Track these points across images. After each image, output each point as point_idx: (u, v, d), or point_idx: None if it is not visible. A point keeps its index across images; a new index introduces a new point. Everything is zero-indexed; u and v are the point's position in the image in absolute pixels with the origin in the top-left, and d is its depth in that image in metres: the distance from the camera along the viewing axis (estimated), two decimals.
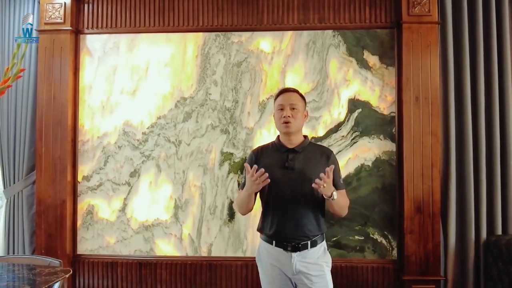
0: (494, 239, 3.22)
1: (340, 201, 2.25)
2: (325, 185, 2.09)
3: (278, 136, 2.43)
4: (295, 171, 2.28)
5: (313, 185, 2.10)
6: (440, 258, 3.27)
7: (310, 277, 2.26)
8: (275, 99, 2.42)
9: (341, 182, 2.37)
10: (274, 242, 2.31)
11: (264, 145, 2.50)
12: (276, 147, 2.40)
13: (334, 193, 2.18)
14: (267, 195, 2.34)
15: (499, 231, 3.29)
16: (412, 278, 3.23)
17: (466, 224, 3.31)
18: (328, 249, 2.41)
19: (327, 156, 2.35)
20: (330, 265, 2.36)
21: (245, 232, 3.44)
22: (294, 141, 2.35)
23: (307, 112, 2.43)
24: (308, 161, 2.31)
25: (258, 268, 2.48)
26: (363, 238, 3.38)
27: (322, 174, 2.09)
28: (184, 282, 3.46)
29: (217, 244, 3.46)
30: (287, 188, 2.27)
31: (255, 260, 3.39)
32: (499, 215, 3.30)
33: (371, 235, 3.38)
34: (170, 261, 3.47)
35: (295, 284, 2.33)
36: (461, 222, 3.34)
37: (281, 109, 2.33)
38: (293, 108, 2.32)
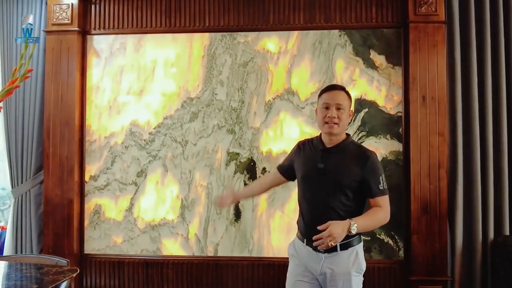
0: (502, 240, 3.20)
1: (366, 226, 2.10)
2: (332, 243, 1.96)
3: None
4: (326, 173, 2.19)
5: (319, 248, 2.02)
6: (447, 259, 3.26)
7: (334, 282, 2.18)
8: (319, 95, 2.30)
9: (380, 188, 2.16)
10: (305, 240, 2.25)
11: (310, 138, 2.40)
12: (316, 143, 2.31)
13: (352, 227, 2.00)
14: (299, 193, 2.31)
15: (506, 231, 3.28)
16: (419, 278, 3.22)
17: (473, 225, 3.29)
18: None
19: (363, 160, 2.17)
20: (362, 271, 2.21)
21: (251, 232, 3.44)
22: (334, 141, 2.24)
23: (352, 111, 2.30)
24: (341, 163, 2.19)
25: (289, 258, 2.40)
26: (369, 238, 3.36)
27: (316, 236, 1.99)
28: (191, 282, 3.47)
29: (223, 244, 3.46)
30: (317, 189, 2.20)
31: (261, 260, 3.41)
32: (507, 215, 3.28)
33: (377, 236, 3.37)
34: (176, 260, 3.48)
35: (320, 282, 2.26)
36: (468, 222, 3.32)
37: (326, 108, 2.20)
38: (339, 109, 2.18)
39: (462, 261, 3.32)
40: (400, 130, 3.38)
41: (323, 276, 2.21)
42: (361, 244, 2.25)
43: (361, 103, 3.41)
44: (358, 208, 2.21)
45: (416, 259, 3.23)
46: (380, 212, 2.16)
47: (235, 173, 3.47)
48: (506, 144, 3.29)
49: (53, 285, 1.99)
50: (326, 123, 2.20)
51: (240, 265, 3.43)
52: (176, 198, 3.52)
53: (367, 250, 3.35)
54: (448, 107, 3.32)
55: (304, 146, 2.39)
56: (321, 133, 2.32)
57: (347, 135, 2.30)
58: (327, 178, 2.19)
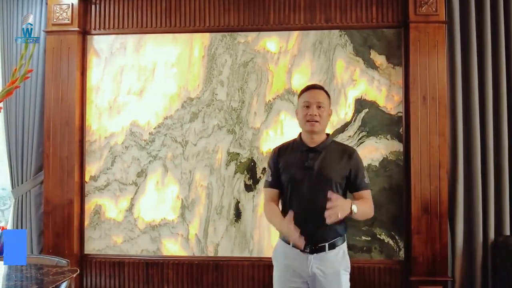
0: (502, 240, 3.20)
1: (362, 211, 2.17)
2: (339, 215, 1.99)
3: (300, 133, 2.37)
4: (314, 171, 2.23)
5: (327, 221, 2.00)
6: (448, 259, 3.26)
7: (324, 282, 2.21)
8: (299, 95, 2.36)
9: (366, 182, 2.30)
10: (291, 243, 2.25)
11: (286, 142, 2.44)
12: (297, 145, 2.34)
13: (353, 207, 2.08)
14: (286, 194, 2.30)
15: (507, 231, 3.27)
16: (419, 278, 3.21)
17: (474, 225, 3.29)
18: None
19: (349, 156, 2.28)
20: (349, 269, 2.30)
21: (251, 232, 3.44)
22: (316, 140, 2.28)
23: (331, 110, 2.36)
24: (328, 161, 2.25)
25: (274, 266, 2.40)
26: (370, 238, 3.36)
27: (328, 204, 1.99)
28: (191, 282, 3.47)
29: (223, 244, 3.46)
30: (306, 188, 2.22)
31: (261, 261, 3.41)
32: (507, 215, 3.28)
33: (378, 236, 3.36)
34: (176, 261, 3.48)
35: (308, 285, 2.27)
36: (468, 222, 3.32)
37: (307, 107, 2.25)
38: (320, 107, 2.24)
39: (463, 261, 3.32)
40: (401, 130, 3.37)
41: (313, 277, 2.23)
42: (346, 243, 2.32)
43: (361, 103, 3.40)
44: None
45: (416, 259, 3.22)
46: (369, 204, 2.27)
47: (235, 173, 3.46)
48: (506, 144, 3.29)
49: (53, 286, 1.99)
50: (308, 121, 2.25)
51: (241, 265, 3.43)
52: (176, 198, 3.51)
53: (367, 250, 3.35)
54: (448, 107, 3.32)
55: (284, 150, 2.38)
56: (300, 135, 2.37)
57: (327, 134, 2.36)
58: (316, 176, 2.23)
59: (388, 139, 3.38)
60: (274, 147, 2.49)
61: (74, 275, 2.17)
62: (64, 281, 2.08)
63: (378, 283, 3.34)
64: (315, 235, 2.20)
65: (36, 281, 2.13)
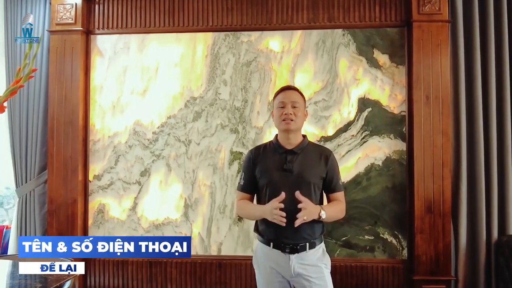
0: (506, 239, 3.19)
1: (331, 215, 2.24)
2: (305, 218, 2.09)
3: (276, 135, 2.37)
4: (293, 173, 2.24)
5: (296, 222, 2.08)
6: (451, 258, 3.25)
7: (309, 279, 2.22)
8: (274, 97, 2.38)
9: (340, 183, 2.35)
10: (271, 244, 2.27)
11: (262, 144, 2.44)
12: (274, 147, 2.34)
13: (322, 213, 2.16)
14: (265, 197, 2.28)
15: (510, 231, 3.27)
16: (422, 278, 3.21)
17: (477, 224, 3.28)
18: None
19: (326, 157, 2.31)
20: (330, 267, 2.32)
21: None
22: (293, 141, 2.30)
23: (307, 111, 2.39)
24: (306, 162, 2.27)
25: (255, 270, 2.41)
26: (373, 237, 3.36)
27: (300, 206, 2.09)
28: (194, 281, 3.47)
29: (226, 243, 3.47)
30: (285, 190, 2.19)
31: None
32: (511, 214, 3.27)
33: (381, 235, 3.36)
34: (180, 260, 3.48)
35: (294, 287, 2.29)
36: (472, 222, 3.32)
37: (282, 107, 2.28)
38: (295, 107, 2.27)
39: (466, 261, 3.31)
40: (404, 130, 3.37)
41: (297, 278, 2.24)
42: (323, 243, 2.35)
43: (364, 103, 3.40)
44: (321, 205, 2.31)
45: (419, 259, 3.22)
46: (342, 205, 2.34)
47: (238, 173, 3.47)
48: (510, 143, 3.28)
49: (57, 284, 1.99)
50: (283, 120, 2.27)
51: (244, 264, 3.43)
52: (179, 198, 3.52)
53: (370, 249, 3.35)
54: (451, 106, 3.31)
55: (260, 153, 2.37)
56: (276, 137, 2.37)
57: (303, 136, 2.37)
58: (295, 178, 2.25)
59: (391, 138, 3.38)
60: (249, 150, 2.49)
61: (78, 274, 2.17)
62: (68, 280, 2.09)
63: (381, 282, 3.34)
64: (295, 235, 2.22)
65: (40, 280, 2.14)
